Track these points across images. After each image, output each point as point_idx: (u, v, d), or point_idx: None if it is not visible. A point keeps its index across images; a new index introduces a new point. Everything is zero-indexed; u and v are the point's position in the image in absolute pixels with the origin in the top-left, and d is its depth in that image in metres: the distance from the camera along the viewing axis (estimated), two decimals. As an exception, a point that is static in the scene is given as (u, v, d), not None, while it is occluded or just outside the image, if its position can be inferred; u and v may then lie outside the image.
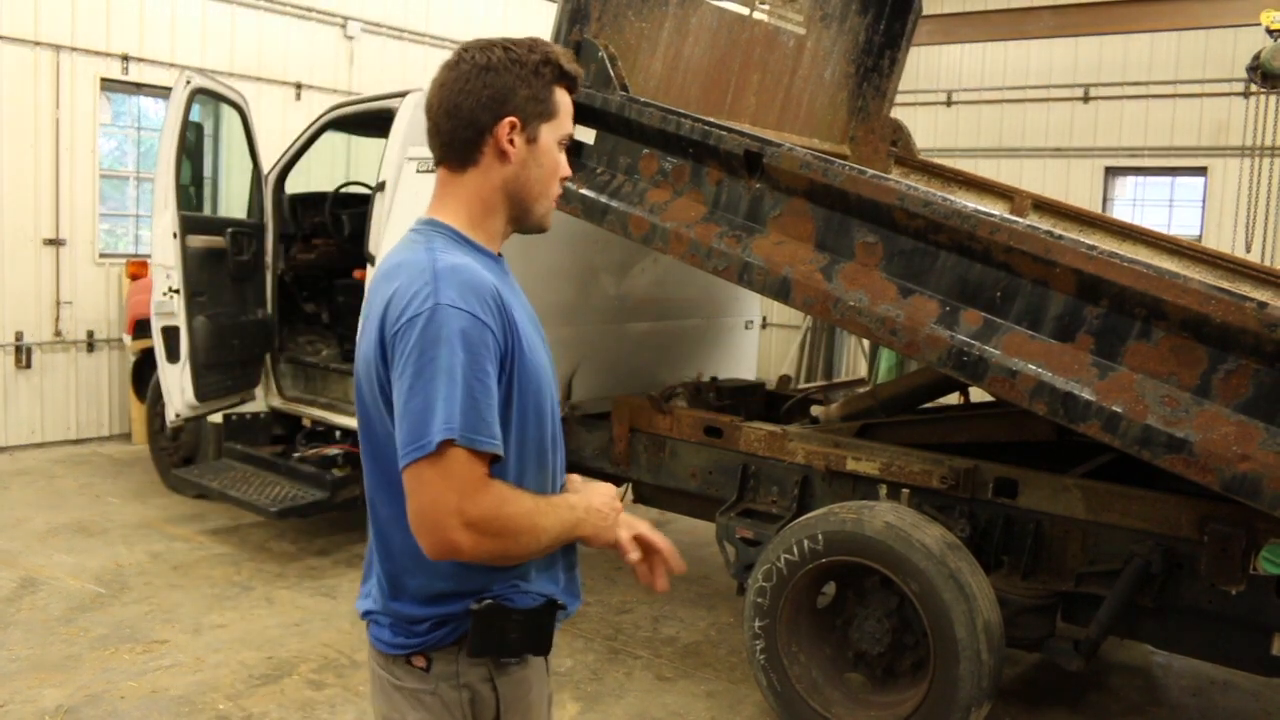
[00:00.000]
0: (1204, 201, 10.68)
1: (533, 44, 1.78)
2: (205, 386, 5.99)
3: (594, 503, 1.77)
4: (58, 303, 8.14)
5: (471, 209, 1.78)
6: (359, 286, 6.05)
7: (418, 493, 1.57)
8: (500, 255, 1.83)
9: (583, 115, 4.43)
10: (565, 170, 1.84)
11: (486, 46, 1.75)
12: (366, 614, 1.79)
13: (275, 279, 6.52)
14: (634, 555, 1.85)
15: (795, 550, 3.88)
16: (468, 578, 1.68)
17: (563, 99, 1.80)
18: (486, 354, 1.60)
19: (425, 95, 1.80)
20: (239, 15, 8.97)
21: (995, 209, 4.62)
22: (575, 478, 1.86)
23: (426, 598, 1.70)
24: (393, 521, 1.69)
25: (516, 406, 1.69)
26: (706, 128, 4.03)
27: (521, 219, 1.83)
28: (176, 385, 6.01)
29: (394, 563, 1.71)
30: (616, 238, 4.50)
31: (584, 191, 4.37)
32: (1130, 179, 11.43)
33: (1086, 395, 3.15)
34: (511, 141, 1.74)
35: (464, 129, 1.74)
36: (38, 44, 7.85)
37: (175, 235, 5.81)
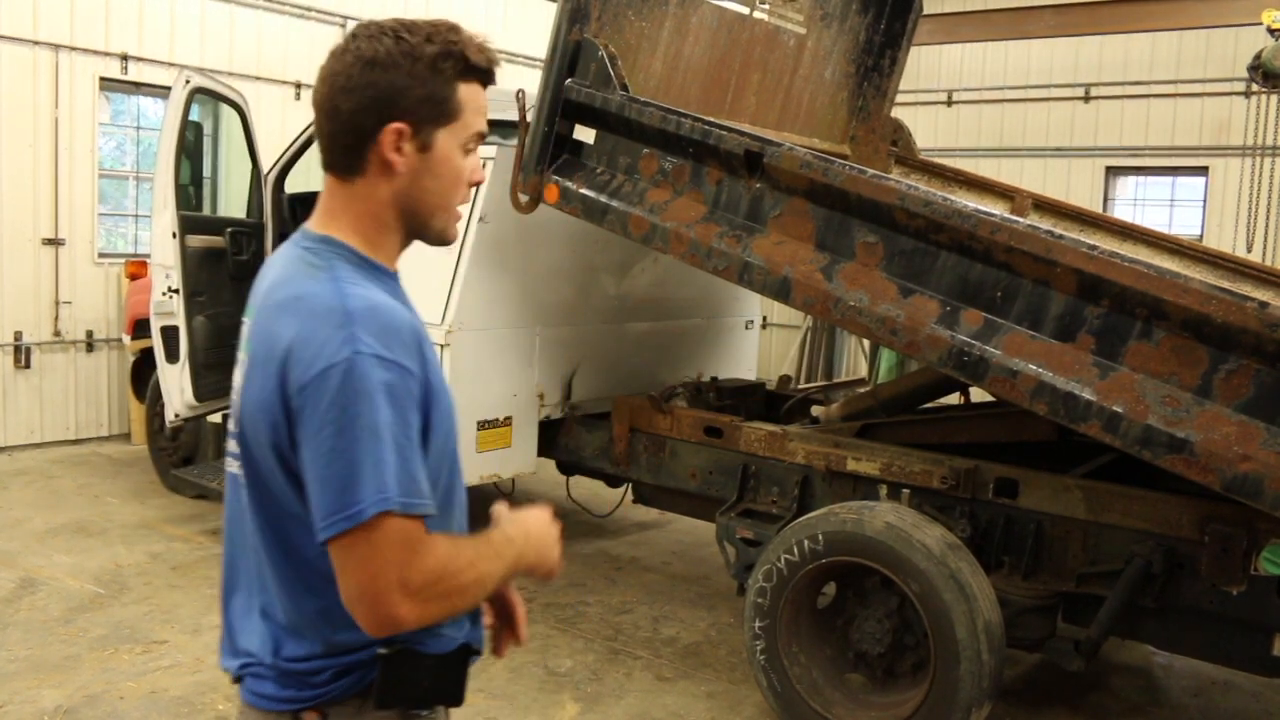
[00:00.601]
0: (1205, 201, 10.68)
1: (433, 30, 1.49)
2: (205, 386, 5.98)
3: (531, 530, 1.60)
4: (57, 302, 8.13)
5: (364, 225, 1.53)
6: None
7: (353, 569, 1.38)
8: (396, 271, 1.61)
9: (583, 115, 4.43)
10: (476, 175, 1.58)
11: (377, 34, 1.48)
12: (243, 667, 1.56)
13: (275, 279, 6.50)
14: (488, 618, 1.72)
15: (795, 550, 3.88)
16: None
17: (470, 95, 1.52)
18: (411, 404, 1.41)
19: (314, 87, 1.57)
20: (238, 14, 8.97)
21: (996, 209, 4.62)
22: (501, 508, 1.66)
23: (327, 648, 1.50)
24: (286, 576, 1.51)
25: (433, 451, 1.49)
26: (706, 127, 4.02)
27: (419, 234, 1.59)
28: (176, 385, 6.00)
29: (291, 617, 1.51)
30: (616, 238, 4.50)
31: (584, 191, 4.36)
32: (1131, 179, 11.42)
33: (1087, 395, 3.15)
34: (399, 150, 1.49)
35: (344, 133, 1.50)
36: (37, 43, 7.84)
37: (174, 235, 5.81)
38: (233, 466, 1.58)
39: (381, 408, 1.37)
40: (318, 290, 1.44)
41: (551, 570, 1.63)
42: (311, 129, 6.51)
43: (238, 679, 1.58)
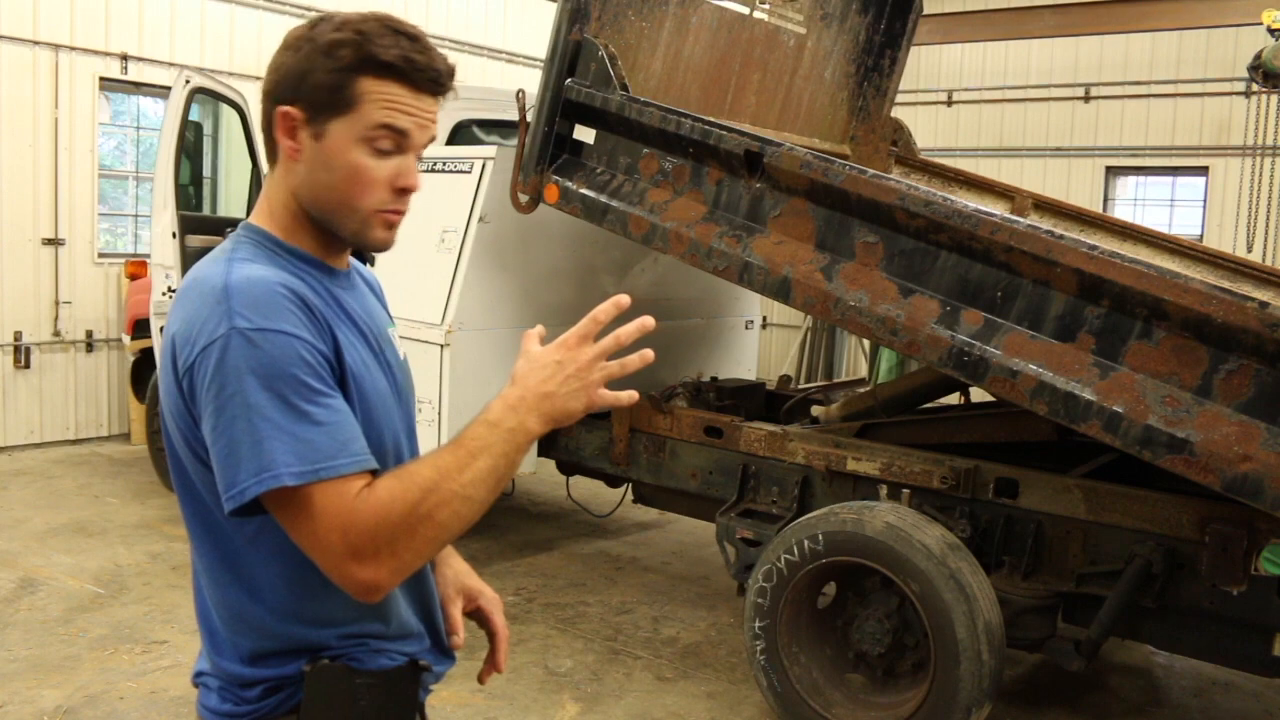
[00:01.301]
0: (1205, 201, 10.68)
1: (349, 19, 1.42)
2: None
3: (532, 386, 1.38)
4: (57, 302, 8.13)
5: (280, 213, 1.48)
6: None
7: (302, 543, 1.33)
8: (348, 266, 1.55)
9: (583, 115, 4.43)
10: (402, 180, 1.45)
11: (310, 20, 1.46)
12: (197, 676, 1.51)
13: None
14: (459, 639, 1.63)
15: (795, 550, 3.88)
16: (307, 633, 1.42)
17: (372, 88, 1.40)
18: (304, 368, 1.33)
19: None
20: (238, 14, 8.97)
21: (996, 209, 4.61)
22: (531, 335, 1.47)
23: (257, 657, 1.42)
24: (213, 574, 1.45)
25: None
26: (706, 127, 4.02)
27: (333, 233, 1.48)
28: (176, 385, 6.00)
29: (218, 620, 1.46)
30: (616, 238, 4.50)
31: (584, 191, 4.36)
32: (1131, 179, 11.43)
33: (1087, 395, 3.15)
34: (291, 135, 1.43)
35: (262, 116, 1.47)
36: (37, 43, 7.84)
37: (174, 235, 5.81)
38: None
39: (259, 381, 1.30)
40: (209, 272, 1.40)
41: (590, 405, 1.41)
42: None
43: (196, 686, 1.53)
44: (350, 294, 1.52)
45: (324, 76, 1.40)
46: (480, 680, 1.70)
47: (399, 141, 1.43)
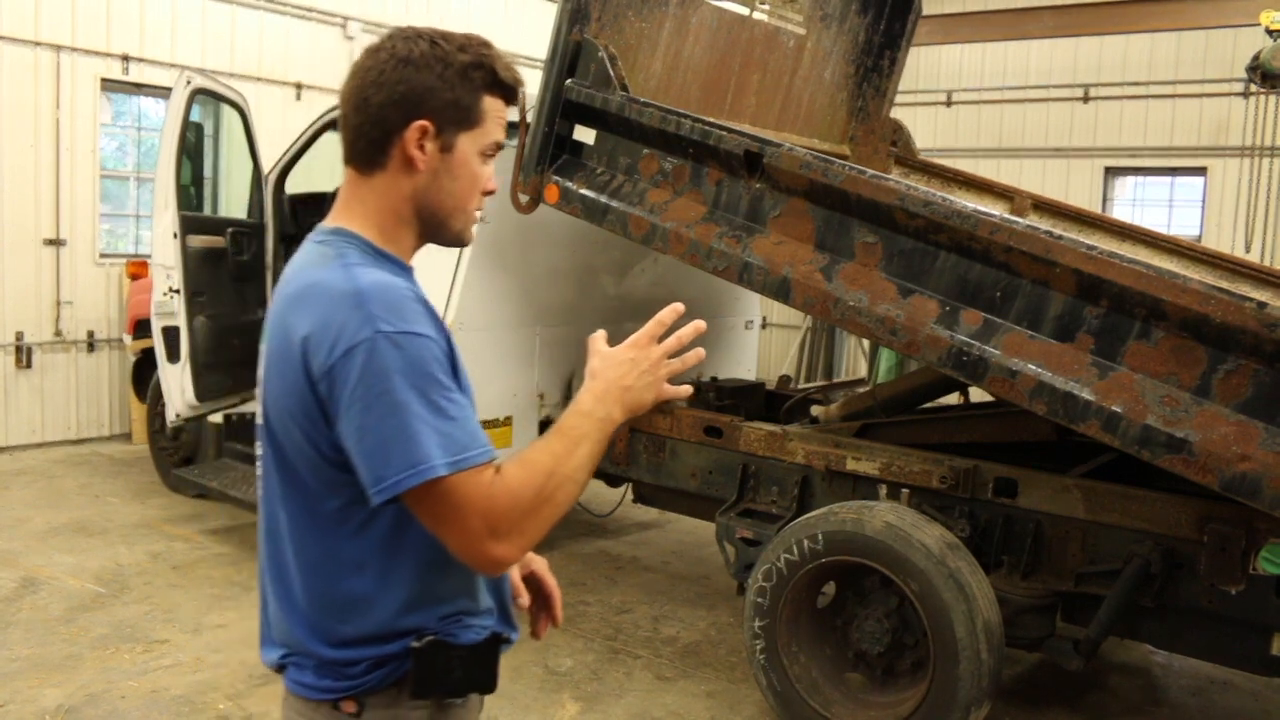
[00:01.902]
0: (1204, 201, 10.69)
1: (466, 42, 1.57)
2: (205, 386, 5.99)
3: (612, 380, 1.57)
4: (58, 303, 8.14)
5: (382, 219, 1.59)
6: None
7: (441, 531, 1.46)
8: (410, 267, 1.66)
9: (583, 115, 4.44)
10: (490, 184, 1.64)
11: (413, 36, 1.55)
12: (283, 658, 1.61)
13: (275, 279, 6.52)
14: (525, 600, 1.79)
15: (795, 550, 3.89)
16: (406, 616, 1.55)
17: (493, 107, 1.59)
18: (440, 368, 1.45)
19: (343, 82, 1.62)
20: (239, 15, 8.98)
21: (995, 209, 4.62)
22: (596, 337, 1.64)
23: (361, 639, 1.54)
24: (314, 563, 1.54)
25: None
26: (706, 128, 4.03)
27: (435, 234, 1.63)
28: (177, 385, 6.01)
29: (323, 607, 1.55)
30: (616, 238, 4.50)
31: (584, 191, 4.37)
32: (1130, 179, 11.44)
33: (1086, 395, 3.16)
34: (421, 148, 1.55)
35: (370, 126, 1.56)
36: (38, 44, 7.85)
37: (175, 235, 5.82)
38: (262, 462, 1.62)
39: (406, 380, 1.41)
40: (329, 277, 1.49)
41: (658, 397, 1.60)
42: (312, 130, 6.55)
43: (280, 668, 1.62)
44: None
45: (459, 95, 1.55)
46: (536, 636, 1.86)
47: (496, 152, 1.64)
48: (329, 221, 1.61)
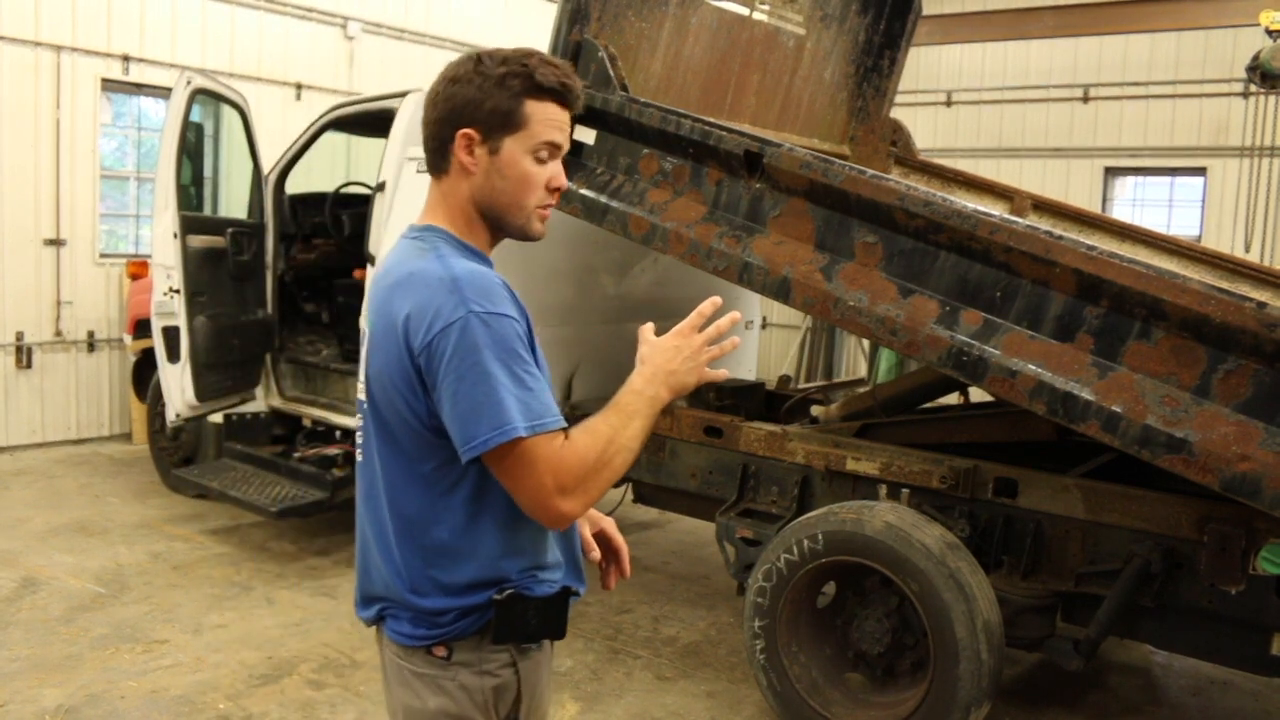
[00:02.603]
0: (1203, 202, 10.69)
1: (509, 56, 1.77)
2: (205, 386, 5.99)
3: (660, 365, 1.79)
4: (58, 303, 8.14)
5: (456, 216, 1.82)
6: (359, 286, 6.06)
7: (514, 487, 1.67)
8: (490, 258, 1.87)
9: (583, 115, 4.42)
10: (557, 181, 1.81)
11: (465, 59, 1.78)
12: (382, 610, 1.84)
13: (275, 279, 6.52)
14: (595, 554, 2.01)
15: (795, 550, 3.89)
16: (489, 570, 1.76)
17: (536, 109, 1.76)
18: (520, 343, 1.67)
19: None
20: (239, 15, 8.98)
21: (995, 209, 4.63)
22: (646, 329, 1.86)
23: (451, 590, 1.75)
24: (416, 523, 1.75)
25: None
26: (706, 128, 4.03)
27: (501, 229, 1.84)
28: (177, 385, 6.01)
29: (417, 560, 1.76)
30: (616, 238, 4.50)
31: (584, 191, 4.37)
32: (1130, 179, 11.44)
33: (1086, 395, 3.16)
34: (471, 153, 1.76)
35: (432, 139, 1.80)
36: (38, 44, 7.85)
37: (176, 235, 5.82)
38: (363, 433, 1.84)
39: (493, 354, 1.63)
40: (426, 266, 1.71)
41: (700, 380, 1.81)
42: (312, 130, 6.56)
43: (379, 620, 1.86)
44: None
45: (498, 103, 1.74)
46: (606, 587, 2.06)
47: (554, 151, 1.80)
48: (418, 220, 1.84)
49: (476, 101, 1.74)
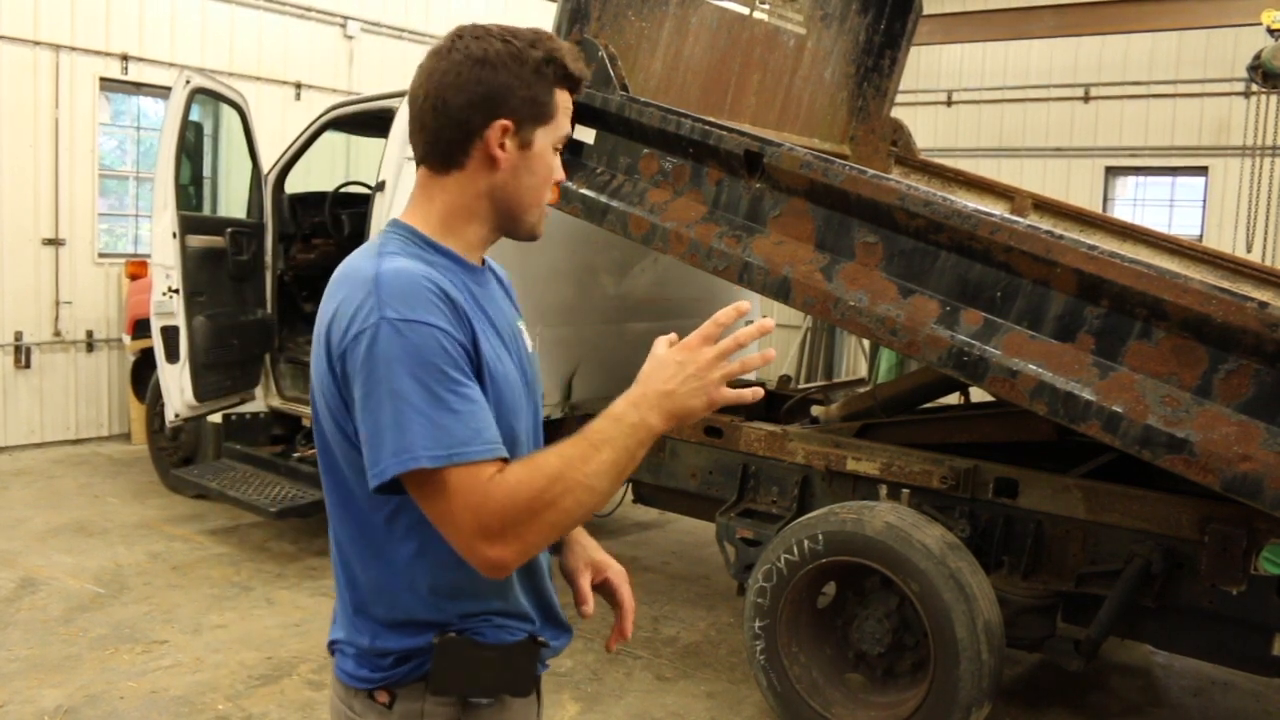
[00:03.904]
0: (1205, 201, 10.68)
1: (535, 38, 1.57)
2: (205, 386, 5.98)
3: (654, 385, 1.47)
4: (57, 302, 8.14)
5: (449, 214, 1.59)
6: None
7: (436, 521, 1.43)
8: (483, 264, 1.67)
9: (583, 115, 4.42)
10: (559, 174, 1.66)
11: (483, 35, 1.55)
12: (332, 643, 1.65)
13: (275, 279, 6.52)
14: (588, 609, 1.77)
15: (795, 550, 3.88)
16: (435, 608, 1.54)
17: (563, 100, 1.60)
18: (445, 358, 1.42)
19: (411, 84, 1.60)
20: (238, 15, 8.97)
21: (995, 209, 4.62)
22: (661, 341, 1.54)
23: (390, 628, 1.55)
24: (351, 548, 1.57)
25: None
26: (706, 128, 4.02)
27: (510, 228, 1.64)
28: (176, 385, 6.00)
29: (356, 592, 1.58)
30: (616, 238, 4.50)
31: (584, 191, 4.36)
32: (1131, 179, 11.43)
33: (1087, 395, 3.15)
34: (503, 146, 1.55)
35: (450, 128, 1.55)
36: (37, 44, 7.85)
37: (175, 235, 5.81)
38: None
39: (405, 369, 1.40)
40: (360, 265, 1.52)
41: (711, 403, 1.50)
42: (311, 129, 6.53)
43: (331, 653, 1.66)
44: (486, 290, 1.63)
45: (536, 92, 1.56)
46: (608, 648, 1.85)
47: (565, 144, 1.65)
48: (400, 215, 1.64)
49: (513, 89, 1.54)
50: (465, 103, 1.54)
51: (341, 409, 1.49)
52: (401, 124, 5.54)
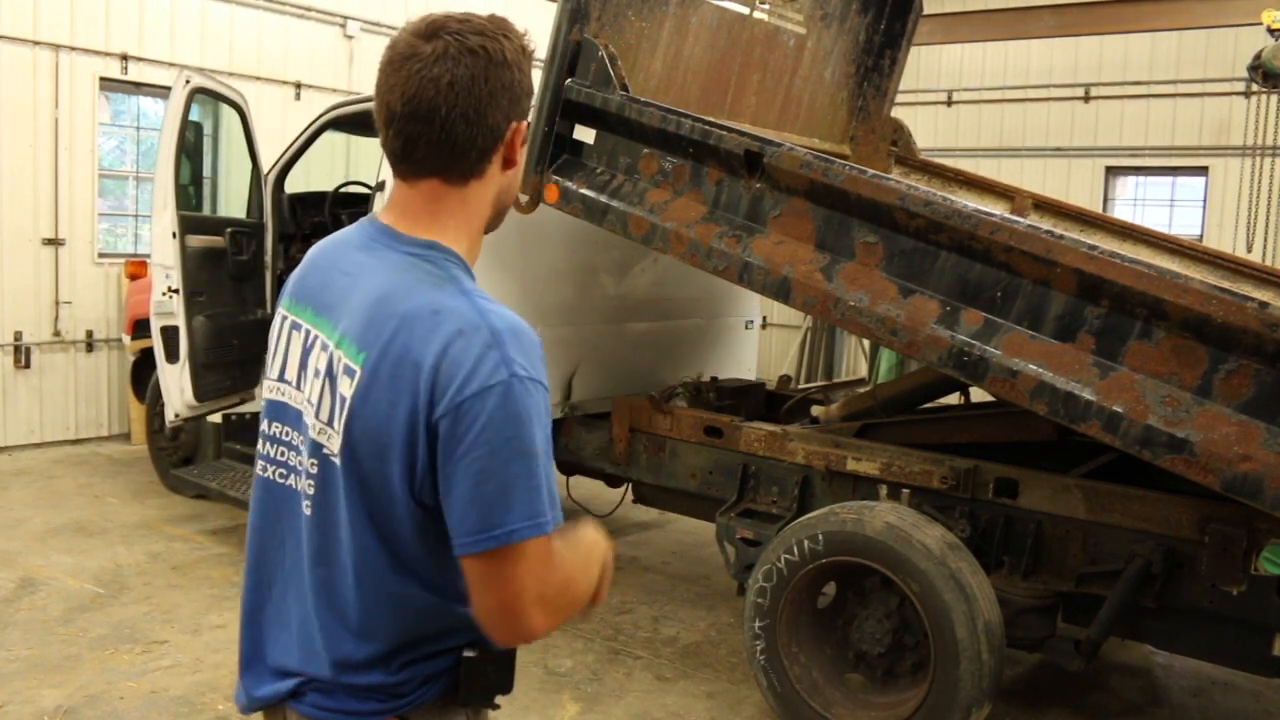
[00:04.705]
0: (1205, 201, 10.68)
1: (508, 27, 1.50)
2: (204, 386, 5.98)
3: (597, 546, 1.59)
4: (57, 302, 8.13)
5: (471, 229, 1.54)
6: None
7: (496, 585, 1.40)
8: None
9: (583, 115, 4.43)
10: None
11: (482, 31, 1.46)
12: (302, 684, 1.53)
13: (275, 279, 6.51)
14: None
15: (795, 550, 3.88)
16: (453, 632, 1.53)
17: None
18: (550, 421, 1.43)
19: (410, 94, 1.44)
20: (238, 14, 8.97)
21: (996, 209, 4.62)
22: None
23: (414, 660, 1.52)
24: (391, 590, 1.48)
25: None
26: (706, 127, 4.02)
27: (490, 228, 1.60)
28: (176, 385, 6.00)
29: (384, 633, 1.50)
30: (616, 238, 4.50)
31: (584, 191, 4.36)
32: (1131, 179, 11.43)
33: (1087, 395, 3.15)
34: (521, 145, 1.53)
35: (485, 137, 1.47)
36: (37, 43, 7.84)
37: (174, 235, 5.81)
38: (299, 480, 1.53)
39: (537, 431, 1.39)
40: (454, 305, 1.42)
41: (601, 597, 1.59)
42: (311, 129, 6.51)
43: (294, 694, 1.54)
44: None
45: (530, 84, 1.52)
46: None
47: None
48: (412, 230, 1.51)
49: (529, 88, 1.50)
50: (498, 110, 1.47)
51: (420, 462, 1.39)
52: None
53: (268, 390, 1.60)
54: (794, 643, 3.95)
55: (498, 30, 1.48)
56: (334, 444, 1.45)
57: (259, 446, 1.61)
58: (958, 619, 3.54)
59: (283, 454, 1.55)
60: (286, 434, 1.55)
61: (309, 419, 1.50)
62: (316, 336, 1.52)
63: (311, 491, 1.50)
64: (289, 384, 1.55)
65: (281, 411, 1.56)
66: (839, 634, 4.01)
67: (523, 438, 1.37)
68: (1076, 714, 4.39)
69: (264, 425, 1.60)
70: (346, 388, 1.44)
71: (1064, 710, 4.40)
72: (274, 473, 1.57)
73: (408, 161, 1.49)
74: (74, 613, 4.92)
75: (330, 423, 1.46)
